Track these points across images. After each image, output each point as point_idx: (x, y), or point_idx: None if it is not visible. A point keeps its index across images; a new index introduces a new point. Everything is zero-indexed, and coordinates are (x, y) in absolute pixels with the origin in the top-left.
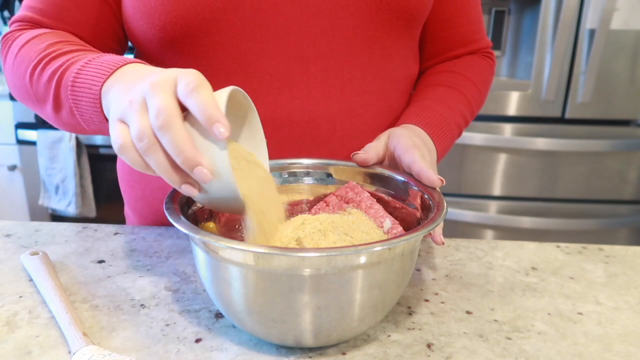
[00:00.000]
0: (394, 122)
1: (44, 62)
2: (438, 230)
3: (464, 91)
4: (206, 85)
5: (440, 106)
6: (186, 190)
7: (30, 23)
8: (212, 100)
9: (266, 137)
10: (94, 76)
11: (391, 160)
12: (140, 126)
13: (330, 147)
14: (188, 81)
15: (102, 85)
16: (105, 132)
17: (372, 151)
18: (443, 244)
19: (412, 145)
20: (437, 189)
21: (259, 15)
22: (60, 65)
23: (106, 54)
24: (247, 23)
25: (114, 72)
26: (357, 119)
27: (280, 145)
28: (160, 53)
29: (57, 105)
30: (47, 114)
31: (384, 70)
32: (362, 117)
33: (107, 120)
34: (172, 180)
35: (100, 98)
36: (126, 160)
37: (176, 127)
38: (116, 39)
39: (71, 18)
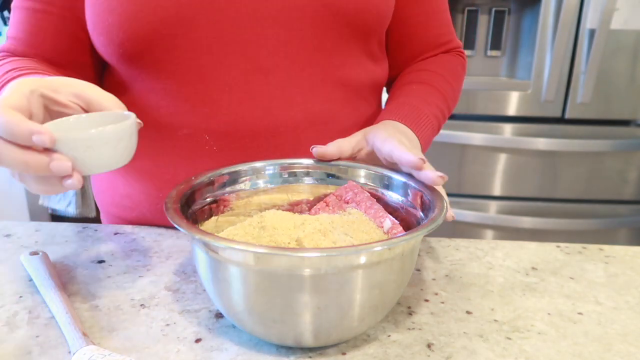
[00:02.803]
0: (360, 129)
1: None
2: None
3: (436, 86)
4: None
5: (415, 101)
6: (57, 166)
7: (11, 54)
8: (12, 123)
9: (229, 147)
10: None
11: (371, 157)
12: None
13: (295, 156)
14: None
15: None
16: None
17: (333, 145)
18: (454, 217)
19: (388, 135)
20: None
21: (215, 28)
22: None
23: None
24: (204, 36)
25: None
26: (322, 127)
27: (244, 154)
28: (122, 66)
29: None
30: None
31: (346, 78)
32: (327, 126)
33: None
34: (37, 165)
35: None
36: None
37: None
38: (87, 52)
39: (39, 42)
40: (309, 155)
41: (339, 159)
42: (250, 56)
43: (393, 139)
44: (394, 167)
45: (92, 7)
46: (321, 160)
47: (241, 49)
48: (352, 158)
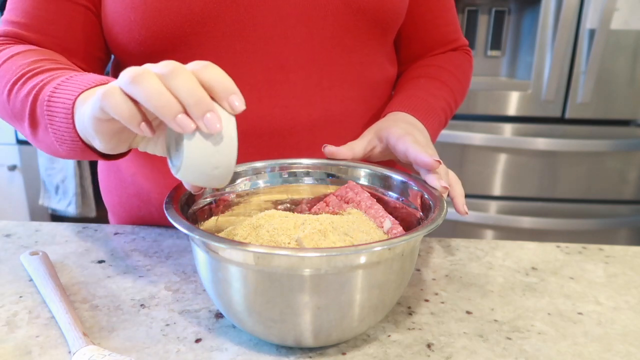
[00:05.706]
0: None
1: (24, 78)
2: (460, 200)
3: (444, 80)
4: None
5: (423, 93)
6: (182, 121)
7: (14, 39)
8: (227, 76)
9: (246, 145)
10: (70, 91)
11: (385, 153)
12: (134, 69)
13: (311, 155)
14: (199, 62)
15: (76, 98)
16: (78, 153)
17: (344, 146)
18: (467, 213)
19: (403, 133)
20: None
21: (238, 27)
22: (40, 82)
23: (89, 73)
24: (227, 35)
25: (91, 87)
26: (338, 125)
27: (261, 153)
28: (139, 64)
29: (33, 123)
30: (25, 132)
31: (362, 76)
32: (342, 124)
33: (79, 138)
34: (168, 105)
35: (73, 111)
36: (109, 105)
37: (188, 72)
38: (102, 47)
39: (58, 31)
40: (323, 154)
41: (350, 159)
42: (272, 55)
43: (407, 137)
44: (410, 164)
45: (113, 3)
46: (331, 159)
47: (263, 48)
48: (366, 158)
